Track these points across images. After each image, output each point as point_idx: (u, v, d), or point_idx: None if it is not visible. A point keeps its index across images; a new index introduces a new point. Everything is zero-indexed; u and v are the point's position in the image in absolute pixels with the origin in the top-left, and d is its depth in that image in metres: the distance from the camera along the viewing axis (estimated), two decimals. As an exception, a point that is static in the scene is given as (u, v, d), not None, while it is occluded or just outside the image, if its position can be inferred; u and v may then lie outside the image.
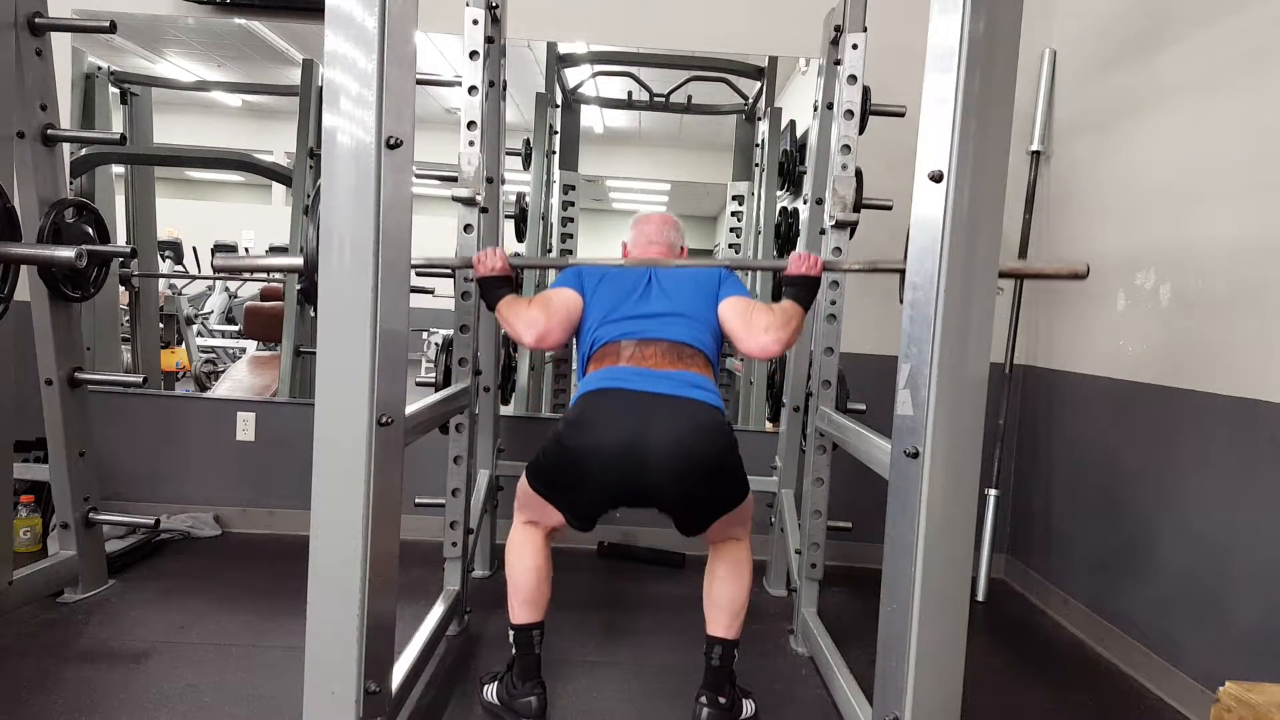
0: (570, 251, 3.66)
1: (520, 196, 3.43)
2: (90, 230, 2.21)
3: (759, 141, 3.47)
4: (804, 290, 1.90)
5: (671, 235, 2.09)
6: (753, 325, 1.83)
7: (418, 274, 2.46)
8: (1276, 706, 1.17)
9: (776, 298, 1.99)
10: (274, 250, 3.82)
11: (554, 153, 3.51)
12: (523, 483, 1.82)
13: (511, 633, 1.82)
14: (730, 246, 3.64)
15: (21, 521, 2.65)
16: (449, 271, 2.40)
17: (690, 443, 1.63)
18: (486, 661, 2.13)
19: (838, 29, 2.35)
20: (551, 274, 2.62)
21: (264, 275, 3.68)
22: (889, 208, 2.41)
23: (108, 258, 2.27)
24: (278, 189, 3.80)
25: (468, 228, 2.27)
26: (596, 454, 1.65)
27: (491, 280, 1.89)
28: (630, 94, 3.33)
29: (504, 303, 1.87)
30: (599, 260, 2.02)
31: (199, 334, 4.16)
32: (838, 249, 2.26)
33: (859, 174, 2.25)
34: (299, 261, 1.47)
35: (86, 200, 2.22)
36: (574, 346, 2.00)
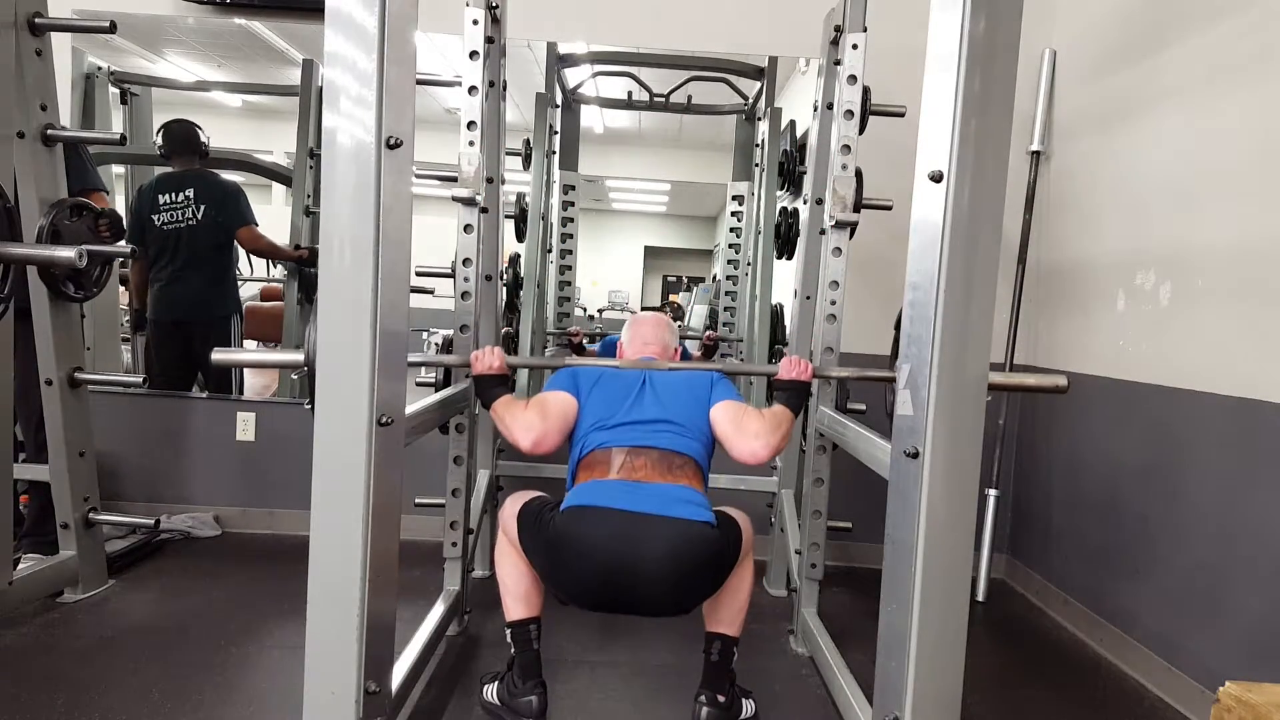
0: (570, 252, 3.67)
1: (520, 196, 3.44)
2: (91, 230, 2.22)
3: (759, 141, 3.47)
4: (794, 395, 1.94)
5: (666, 336, 2.16)
6: (743, 430, 1.84)
7: (418, 274, 2.46)
8: (1276, 706, 1.17)
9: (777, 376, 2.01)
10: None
11: (554, 153, 3.51)
12: (511, 524, 1.82)
13: (509, 631, 1.82)
14: (730, 246, 3.65)
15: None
16: (449, 271, 2.40)
17: (677, 569, 1.64)
18: (486, 661, 2.13)
19: (838, 29, 2.35)
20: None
21: (264, 278, 3.69)
22: (889, 208, 2.41)
23: (109, 258, 2.27)
24: (278, 189, 3.80)
25: (468, 228, 2.27)
26: (583, 574, 1.66)
27: (488, 379, 1.89)
28: (630, 94, 3.33)
29: (500, 403, 1.86)
30: (594, 362, 2.06)
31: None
32: (838, 249, 2.26)
33: (859, 174, 2.25)
34: (299, 357, 1.46)
35: (88, 201, 2.22)
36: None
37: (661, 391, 1.95)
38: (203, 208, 3.10)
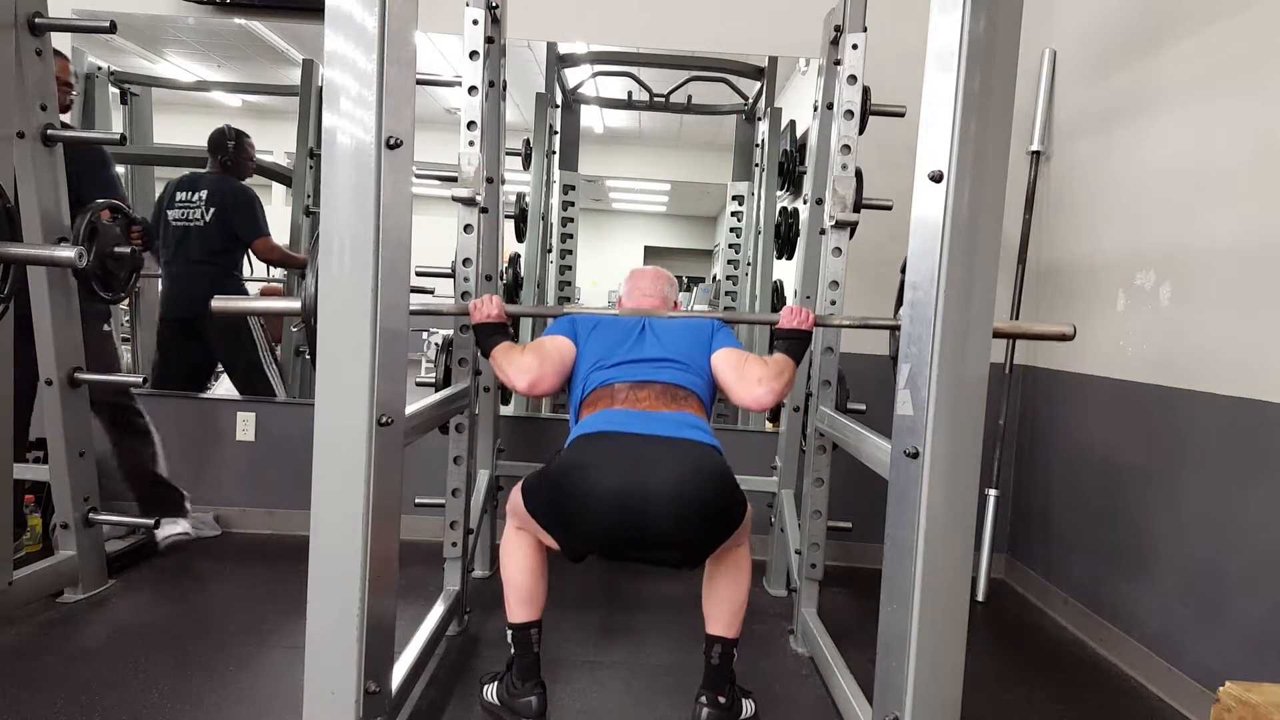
0: (570, 252, 3.67)
1: (520, 196, 3.44)
2: (124, 233, 2.25)
3: (759, 141, 3.47)
4: (796, 344, 1.93)
5: (665, 289, 2.14)
6: (745, 376, 1.84)
7: (418, 274, 2.46)
8: (1276, 707, 1.17)
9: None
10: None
11: (554, 153, 3.51)
12: (517, 498, 1.80)
13: (510, 632, 1.82)
14: (730, 246, 3.64)
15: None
16: (449, 271, 2.40)
17: (690, 488, 1.58)
18: (486, 661, 2.13)
19: (838, 29, 2.35)
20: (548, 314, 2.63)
21: (264, 277, 3.69)
22: (889, 208, 2.41)
23: (136, 265, 2.30)
24: (278, 189, 3.80)
25: (468, 228, 2.28)
26: (592, 500, 1.59)
27: (487, 327, 1.91)
28: (630, 94, 3.33)
29: (499, 349, 1.88)
30: (593, 310, 2.05)
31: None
32: (838, 249, 2.26)
33: (859, 174, 2.25)
34: (296, 305, 1.47)
35: (120, 204, 2.24)
36: (568, 390, 2.00)
37: (662, 334, 1.95)
38: (212, 210, 3.14)
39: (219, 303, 1.56)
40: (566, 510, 1.65)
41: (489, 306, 1.92)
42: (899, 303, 1.87)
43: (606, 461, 1.62)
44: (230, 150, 3.21)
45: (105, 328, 2.59)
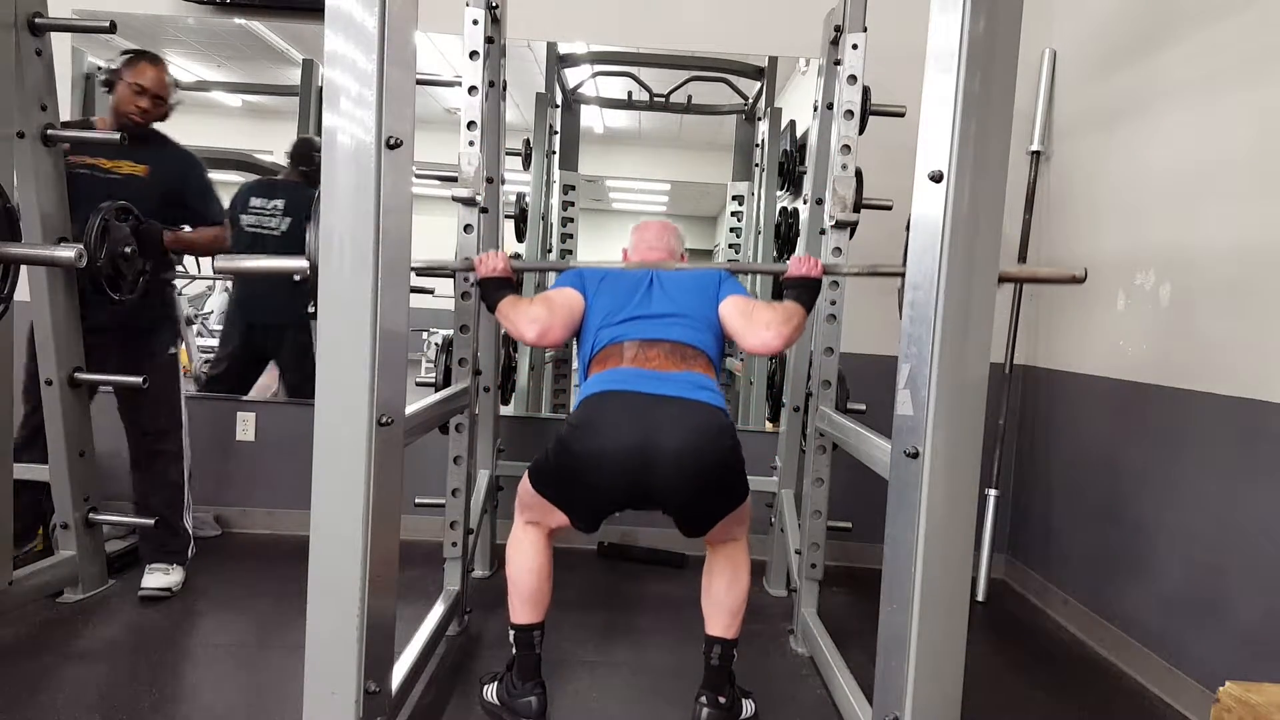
0: (570, 252, 3.67)
1: (520, 196, 3.43)
2: (132, 234, 2.25)
3: (759, 141, 3.47)
4: (804, 292, 1.92)
5: (671, 241, 2.12)
6: (754, 321, 1.83)
7: (418, 274, 2.46)
8: (1276, 706, 1.17)
9: (779, 299, 2.00)
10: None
11: (554, 153, 3.51)
12: (524, 484, 1.81)
13: (512, 632, 1.82)
14: (730, 246, 3.65)
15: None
16: (449, 272, 2.40)
17: (697, 446, 1.62)
18: (486, 661, 2.13)
19: (838, 29, 2.36)
20: (551, 277, 2.65)
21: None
22: (889, 208, 2.41)
23: (141, 270, 2.29)
24: (278, 189, 3.80)
25: (468, 228, 2.27)
26: (602, 458, 1.63)
27: (493, 281, 1.91)
28: (630, 94, 3.33)
29: (506, 302, 1.88)
30: (600, 263, 2.03)
31: (199, 334, 4.15)
32: (838, 249, 2.26)
33: (859, 174, 2.25)
34: (303, 263, 1.48)
35: (130, 205, 2.23)
36: (574, 348, 2.00)
37: (670, 288, 1.94)
38: (289, 220, 3.11)
39: (222, 263, 1.55)
40: (575, 470, 1.67)
41: (494, 260, 1.91)
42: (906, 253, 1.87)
43: (615, 421, 1.65)
44: (316, 162, 3.17)
45: (171, 350, 2.50)
